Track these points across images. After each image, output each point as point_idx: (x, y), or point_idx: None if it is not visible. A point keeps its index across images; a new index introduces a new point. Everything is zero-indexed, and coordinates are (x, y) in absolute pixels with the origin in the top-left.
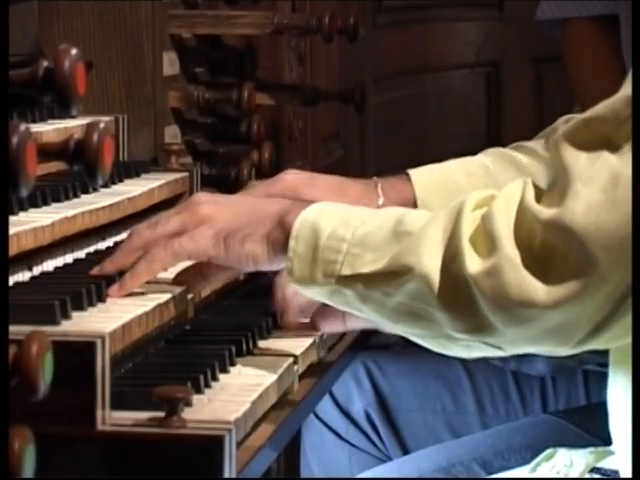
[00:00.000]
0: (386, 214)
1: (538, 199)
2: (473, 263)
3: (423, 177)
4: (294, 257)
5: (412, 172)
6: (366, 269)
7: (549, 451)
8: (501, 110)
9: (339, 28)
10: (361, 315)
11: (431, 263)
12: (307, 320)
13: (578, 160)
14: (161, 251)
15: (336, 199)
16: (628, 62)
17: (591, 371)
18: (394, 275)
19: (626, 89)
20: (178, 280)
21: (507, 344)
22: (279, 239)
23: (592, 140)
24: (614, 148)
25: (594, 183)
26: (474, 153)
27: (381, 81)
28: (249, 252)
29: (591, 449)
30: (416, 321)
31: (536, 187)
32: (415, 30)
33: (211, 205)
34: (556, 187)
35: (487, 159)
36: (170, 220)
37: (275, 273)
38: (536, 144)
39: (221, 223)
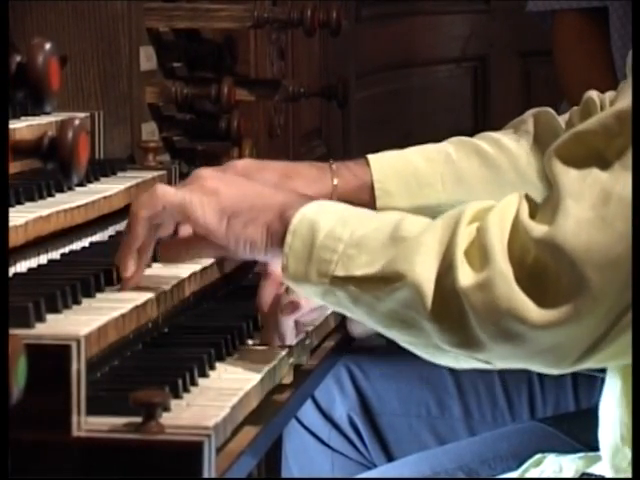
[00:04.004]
0: (385, 217)
1: (533, 214)
2: (465, 276)
3: (382, 162)
4: (289, 253)
5: (371, 157)
6: (359, 271)
7: (538, 457)
8: (488, 105)
9: (321, 21)
10: (354, 317)
11: (424, 273)
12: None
13: (569, 176)
14: (172, 192)
15: (287, 182)
16: (617, 54)
17: (580, 376)
18: (386, 280)
19: (619, 104)
20: (161, 253)
21: (496, 360)
22: (278, 231)
23: (582, 154)
24: (605, 163)
25: (584, 200)
26: None
27: (364, 76)
28: (248, 236)
29: (581, 454)
30: (406, 329)
31: (531, 202)
32: (400, 23)
33: (217, 180)
34: (549, 203)
35: (450, 146)
36: (176, 188)
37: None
38: (503, 135)
39: (228, 201)
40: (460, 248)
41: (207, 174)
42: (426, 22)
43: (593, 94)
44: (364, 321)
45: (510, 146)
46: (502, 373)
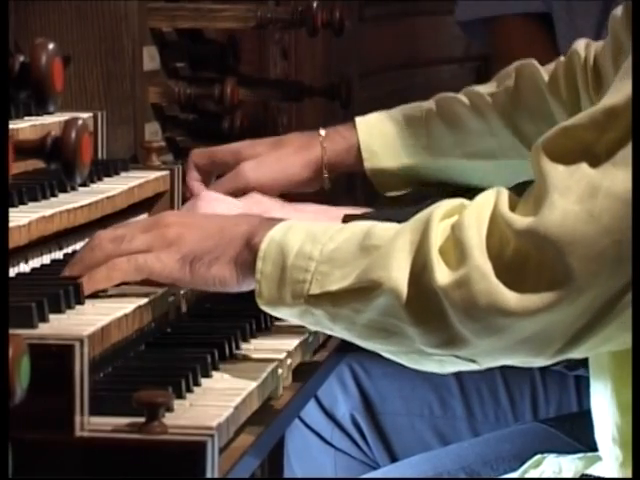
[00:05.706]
0: (354, 228)
1: (512, 208)
2: (442, 274)
3: (368, 123)
4: (262, 279)
5: (358, 119)
6: (334, 286)
7: (537, 457)
8: None
9: (324, 21)
10: (334, 334)
11: (400, 277)
12: None
13: (556, 170)
14: (124, 262)
15: (278, 150)
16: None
17: (583, 377)
18: (363, 291)
19: (608, 99)
20: None
21: (481, 356)
22: (247, 261)
23: (571, 149)
24: (593, 158)
25: (571, 194)
26: None
27: (367, 76)
28: (216, 276)
29: (580, 455)
30: (387, 337)
31: (511, 196)
32: (403, 23)
33: (179, 227)
34: (532, 196)
35: (433, 103)
36: (136, 238)
37: None
38: (486, 87)
39: (189, 246)
40: (434, 246)
41: (169, 221)
42: (429, 22)
43: (580, 46)
44: (344, 337)
45: (489, 101)
46: (505, 373)
